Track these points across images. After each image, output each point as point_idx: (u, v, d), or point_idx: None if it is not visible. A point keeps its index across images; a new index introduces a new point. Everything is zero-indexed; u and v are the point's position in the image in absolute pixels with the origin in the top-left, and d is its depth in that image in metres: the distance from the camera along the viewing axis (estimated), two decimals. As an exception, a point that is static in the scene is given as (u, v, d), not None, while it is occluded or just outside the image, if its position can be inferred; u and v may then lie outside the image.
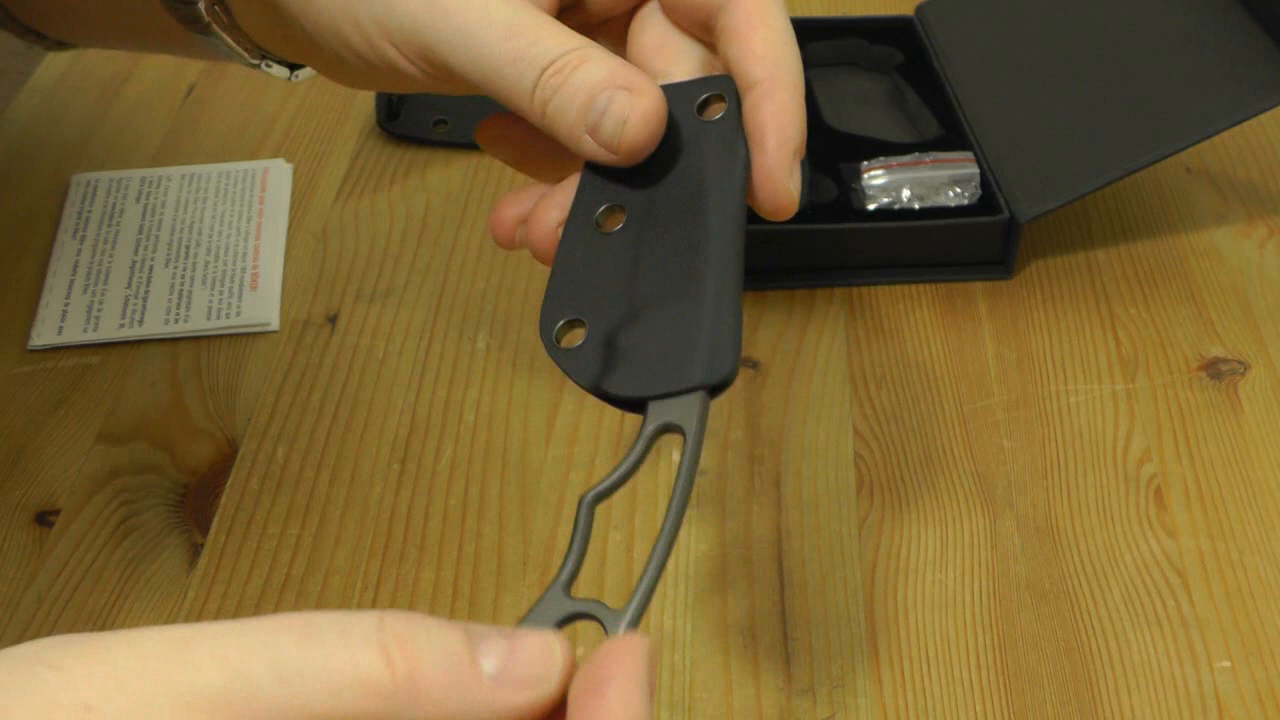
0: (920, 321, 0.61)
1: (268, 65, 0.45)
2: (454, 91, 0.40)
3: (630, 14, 0.42)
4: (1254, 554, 0.51)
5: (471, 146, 0.71)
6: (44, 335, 0.59)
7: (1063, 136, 0.64)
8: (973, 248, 0.63)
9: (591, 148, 0.37)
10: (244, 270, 0.63)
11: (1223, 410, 0.57)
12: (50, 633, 0.47)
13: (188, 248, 0.64)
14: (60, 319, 0.60)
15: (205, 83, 0.76)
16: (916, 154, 0.64)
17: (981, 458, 0.55)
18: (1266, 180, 0.70)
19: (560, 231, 0.38)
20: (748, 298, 0.62)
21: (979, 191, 0.64)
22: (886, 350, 0.60)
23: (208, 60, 0.47)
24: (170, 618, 0.49)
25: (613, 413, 0.56)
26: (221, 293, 0.61)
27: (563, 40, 0.37)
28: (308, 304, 0.62)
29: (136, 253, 0.64)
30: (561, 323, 0.36)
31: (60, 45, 0.54)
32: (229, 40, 0.43)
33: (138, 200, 0.67)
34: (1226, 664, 0.48)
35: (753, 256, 0.62)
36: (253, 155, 0.70)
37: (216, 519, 0.52)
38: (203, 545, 0.51)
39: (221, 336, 0.60)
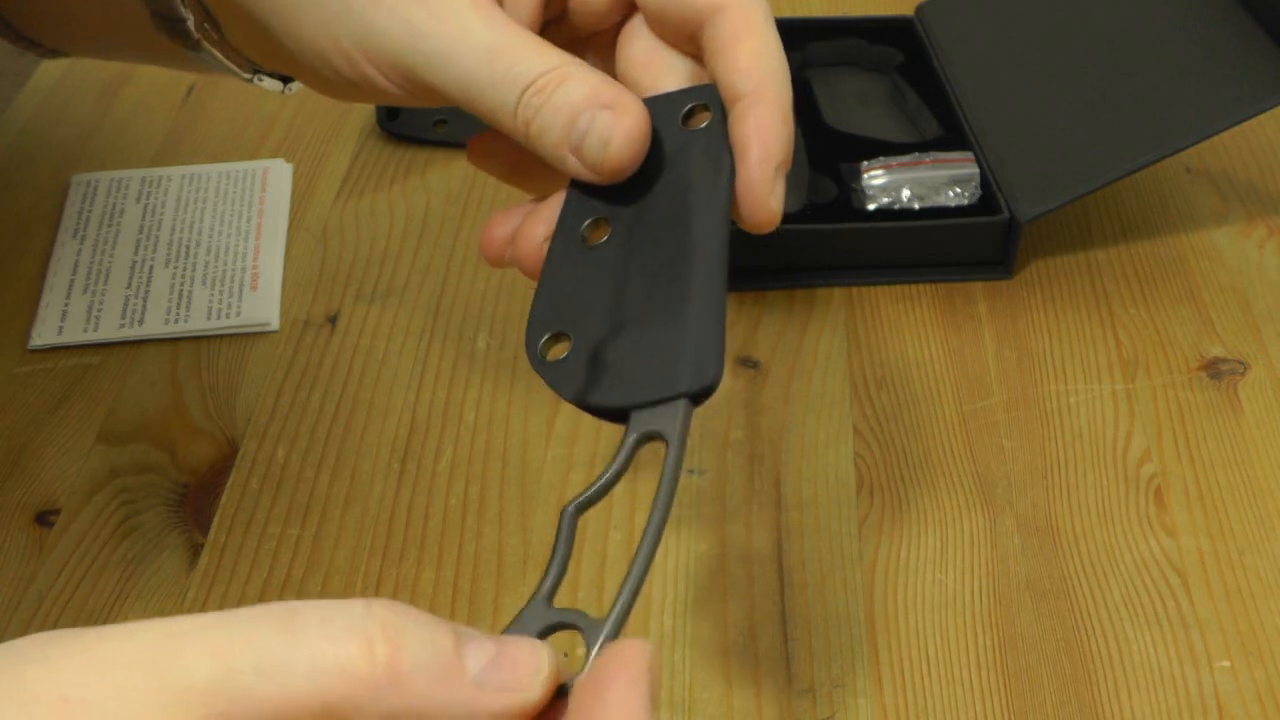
0: (920, 321, 0.61)
1: (260, 79, 0.45)
2: (438, 105, 0.40)
3: (618, 28, 0.41)
4: (1254, 554, 0.51)
5: (471, 146, 0.71)
6: (44, 335, 0.59)
7: (1063, 136, 0.64)
8: (973, 248, 0.63)
9: (575, 166, 0.37)
10: (244, 270, 0.63)
11: (1223, 410, 0.57)
12: (50, 633, 0.47)
13: (188, 248, 0.64)
14: (60, 319, 0.60)
15: (205, 83, 0.76)
16: (916, 154, 0.64)
17: (981, 458, 0.55)
18: (1266, 180, 0.70)
19: (547, 247, 0.38)
20: (748, 298, 0.62)
21: (979, 191, 0.64)
22: (886, 350, 0.60)
23: (201, 73, 0.47)
24: (170, 618, 0.49)
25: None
26: (221, 293, 0.61)
27: (544, 59, 0.37)
28: (308, 304, 0.62)
29: (136, 253, 0.64)
30: (546, 337, 0.36)
31: (55, 54, 0.54)
32: (220, 56, 0.43)
33: (138, 200, 0.67)
34: (1226, 664, 0.48)
35: (753, 257, 0.62)
36: (253, 155, 0.70)
37: (216, 519, 0.52)
38: (203, 545, 0.51)
39: (221, 336, 0.60)
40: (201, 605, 0.49)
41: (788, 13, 0.80)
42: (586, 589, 0.49)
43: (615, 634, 0.29)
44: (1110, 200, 0.68)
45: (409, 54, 0.37)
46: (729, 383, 0.58)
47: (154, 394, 0.57)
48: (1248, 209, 0.68)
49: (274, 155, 0.70)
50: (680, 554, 0.51)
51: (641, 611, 0.49)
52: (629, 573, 0.30)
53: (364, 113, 0.73)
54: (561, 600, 0.30)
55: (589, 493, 0.32)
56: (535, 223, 0.39)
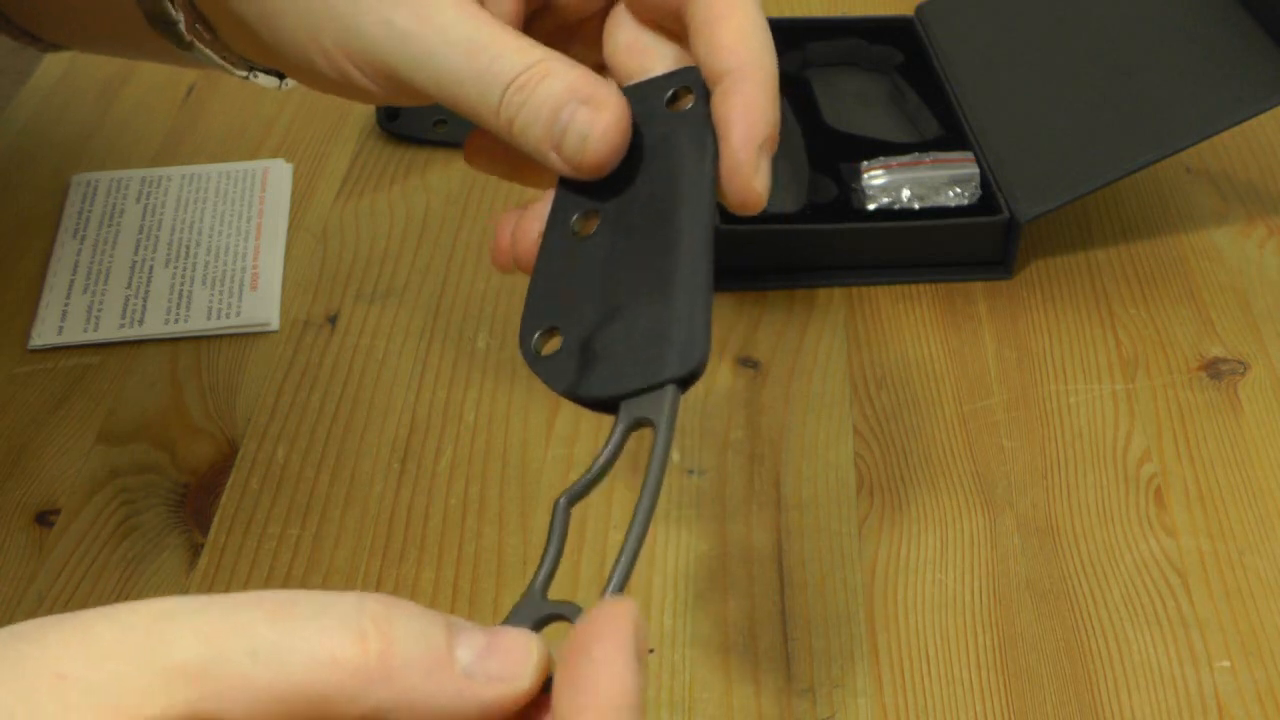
0: (920, 321, 0.61)
1: (255, 76, 0.45)
2: (422, 104, 0.40)
3: (603, 15, 0.41)
4: (1254, 554, 0.51)
5: (471, 146, 0.71)
6: (44, 335, 0.59)
7: (1063, 136, 0.64)
8: (973, 248, 0.63)
9: (558, 163, 0.37)
10: (244, 270, 0.63)
11: (1223, 410, 0.57)
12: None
13: (188, 248, 0.64)
14: (60, 319, 0.60)
15: (205, 83, 0.76)
16: (916, 154, 0.64)
17: (981, 458, 0.55)
18: (1266, 180, 0.70)
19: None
20: (748, 297, 0.62)
21: (979, 191, 0.64)
22: (886, 350, 0.60)
23: (199, 69, 0.47)
24: (170, 618, 0.49)
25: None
26: (221, 293, 0.61)
27: (524, 55, 0.37)
28: (308, 304, 0.62)
29: (136, 253, 0.64)
30: (539, 333, 0.36)
31: (55, 47, 0.54)
32: (213, 55, 0.43)
33: (138, 200, 0.67)
34: (1226, 664, 0.48)
35: (752, 257, 0.62)
36: (253, 155, 0.70)
37: (216, 519, 0.52)
38: (203, 545, 0.51)
39: (221, 336, 0.60)
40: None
41: (788, 13, 0.80)
42: (586, 588, 0.49)
43: None
44: (1110, 200, 0.68)
45: (390, 54, 0.37)
46: (729, 382, 0.58)
47: (154, 394, 0.57)
48: (1248, 209, 0.68)
49: (274, 155, 0.70)
50: (680, 554, 0.51)
51: (642, 611, 0.49)
52: (616, 563, 0.30)
53: (364, 113, 0.73)
54: (562, 596, 0.30)
55: (580, 484, 0.32)
56: (531, 220, 0.39)
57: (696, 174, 0.36)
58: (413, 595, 0.50)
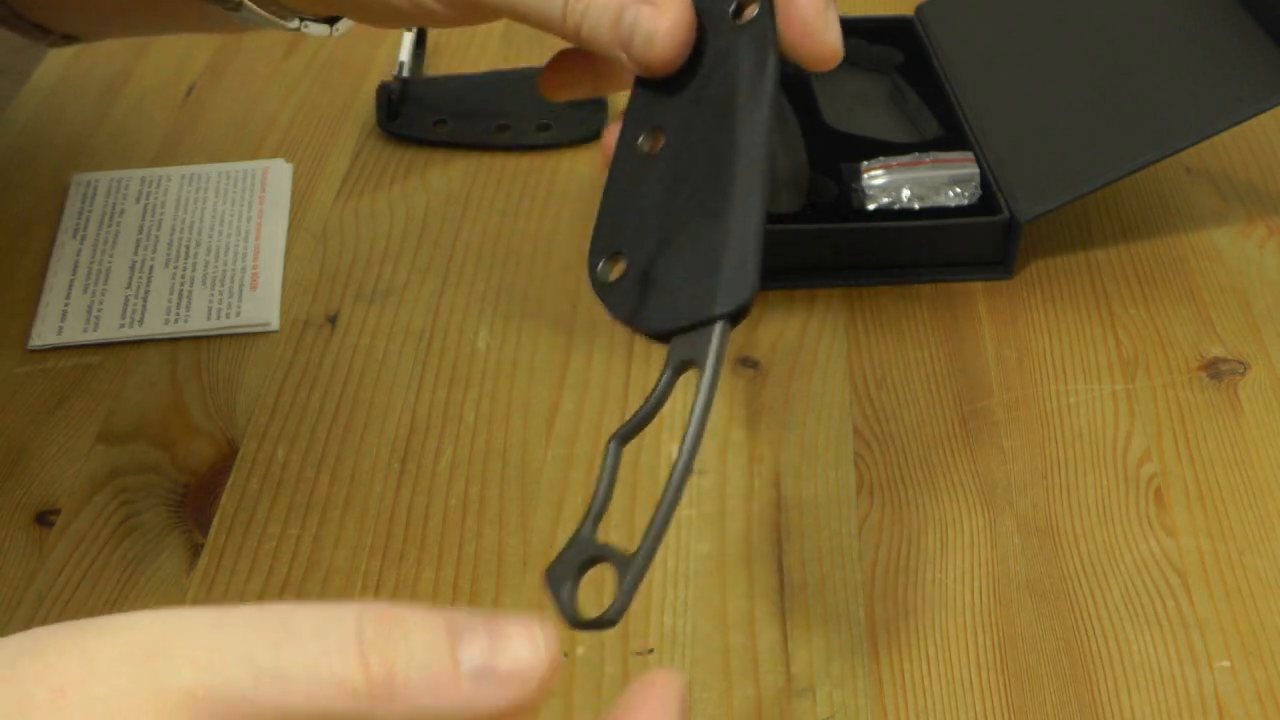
0: (920, 321, 0.61)
1: (305, 26, 0.45)
2: (493, 20, 0.40)
3: None
4: (1254, 554, 0.51)
5: (471, 146, 0.71)
6: (44, 335, 0.59)
7: (1063, 136, 0.64)
8: (973, 248, 0.63)
9: (629, 63, 0.37)
10: (244, 270, 0.63)
11: (1223, 410, 0.57)
12: (50, 633, 0.47)
13: (188, 248, 0.64)
14: (60, 319, 0.60)
15: (205, 83, 0.76)
16: (916, 154, 0.64)
17: (981, 458, 0.55)
18: (1266, 180, 0.70)
19: None
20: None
21: (979, 191, 0.64)
22: (886, 350, 0.60)
23: (229, 33, 0.47)
24: (170, 618, 0.49)
25: (613, 412, 0.56)
26: (221, 293, 0.61)
27: None
28: (308, 304, 0.62)
29: (136, 253, 0.64)
30: (604, 260, 0.36)
31: (66, 40, 0.54)
32: (261, 12, 0.43)
33: (138, 200, 0.67)
34: (1226, 664, 0.48)
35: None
36: (253, 155, 0.70)
37: (216, 519, 0.52)
38: (203, 545, 0.51)
39: (221, 336, 0.60)
40: (202, 605, 0.49)
41: None
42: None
43: (648, 561, 0.29)
44: (1110, 200, 0.68)
45: None
46: (729, 382, 0.58)
47: (154, 394, 0.57)
48: (1248, 209, 0.68)
49: (274, 155, 0.70)
50: (680, 554, 0.51)
51: (642, 611, 0.49)
52: (657, 510, 0.30)
53: (364, 113, 0.73)
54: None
55: (630, 423, 0.32)
56: (614, 130, 0.39)
57: (756, 92, 0.35)
58: (413, 595, 0.50)
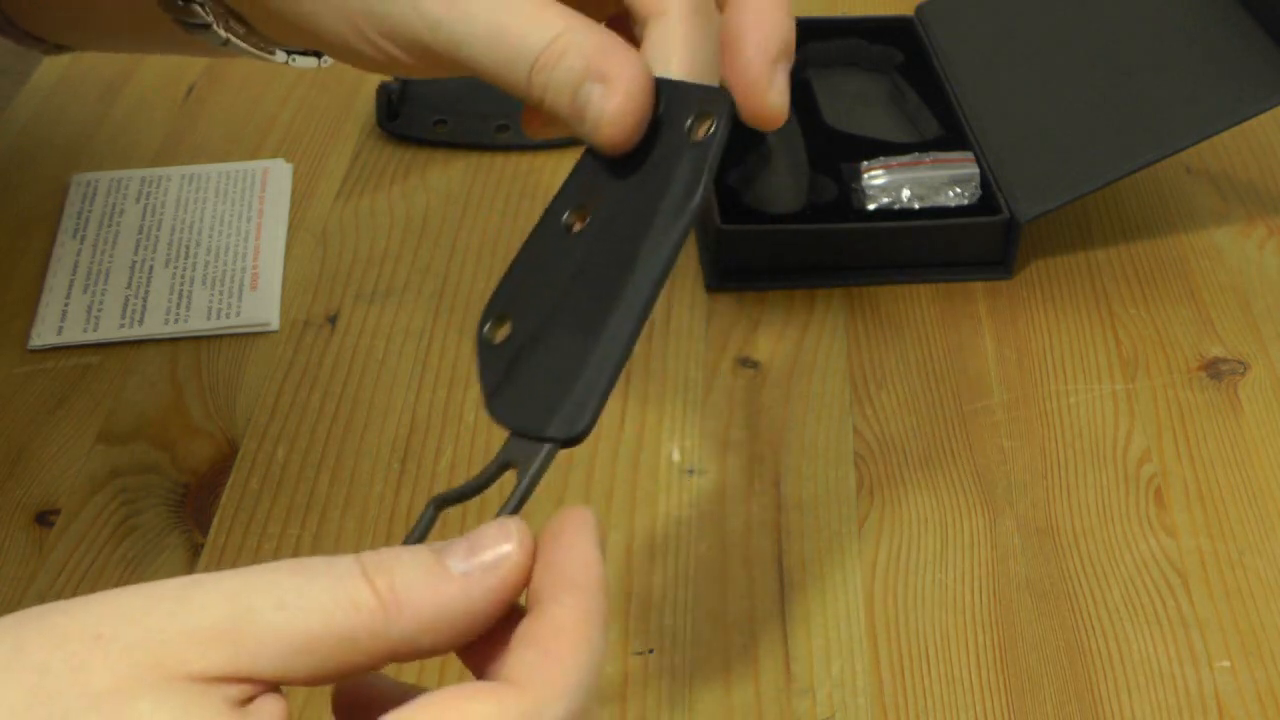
0: (920, 321, 0.61)
1: (293, 60, 0.45)
2: (460, 75, 0.40)
3: None
4: (1254, 554, 0.51)
5: (471, 146, 0.71)
6: (44, 335, 0.59)
7: (1063, 136, 0.64)
8: (973, 248, 0.63)
9: (584, 138, 0.37)
10: (244, 270, 0.63)
11: (1223, 410, 0.57)
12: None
13: (188, 248, 0.64)
14: (60, 319, 0.60)
15: (205, 83, 0.76)
16: (916, 154, 0.64)
17: (981, 458, 0.55)
18: (1266, 180, 0.70)
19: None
20: (748, 298, 0.62)
21: (979, 191, 0.64)
22: (886, 350, 0.60)
23: (217, 58, 0.47)
24: (170, 618, 0.49)
25: (611, 413, 0.56)
26: (221, 293, 0.61)
27: (545, 29, 0.36)
28: (308, 304, 0.62)
29: (136, 253, 0.64)
30: (493, 319, 0.36)
31: (59, 49, 0.54)
32: (247, 47, 0.43)
33: (138, 200, 0.67)
34: (1226, 664, 0.48)
35: (753, 256, 0.62)
36: (253, 155, 0.70)
37: (216, 519, 0.52)
38: (203, 545, 0.51)
39: (221, 336, 0.60)
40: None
41: None
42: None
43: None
44: (1110, 200, 0.68)
45: (424, 38, 0.38)
46: (729, 382, 0.58)
47: (154, 394, 0.57)
48: (1248, 209, 0.68)
49: (274, 155, 0.70)
50: (680, 554, 0.51)
51: (642, 611, 0.49)
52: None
53: (364, 113, 0.73)
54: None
55: (455, 492, 0.34)
56: None
57: (672, 223, 0.35)
58: (413, 595, 0.49)
